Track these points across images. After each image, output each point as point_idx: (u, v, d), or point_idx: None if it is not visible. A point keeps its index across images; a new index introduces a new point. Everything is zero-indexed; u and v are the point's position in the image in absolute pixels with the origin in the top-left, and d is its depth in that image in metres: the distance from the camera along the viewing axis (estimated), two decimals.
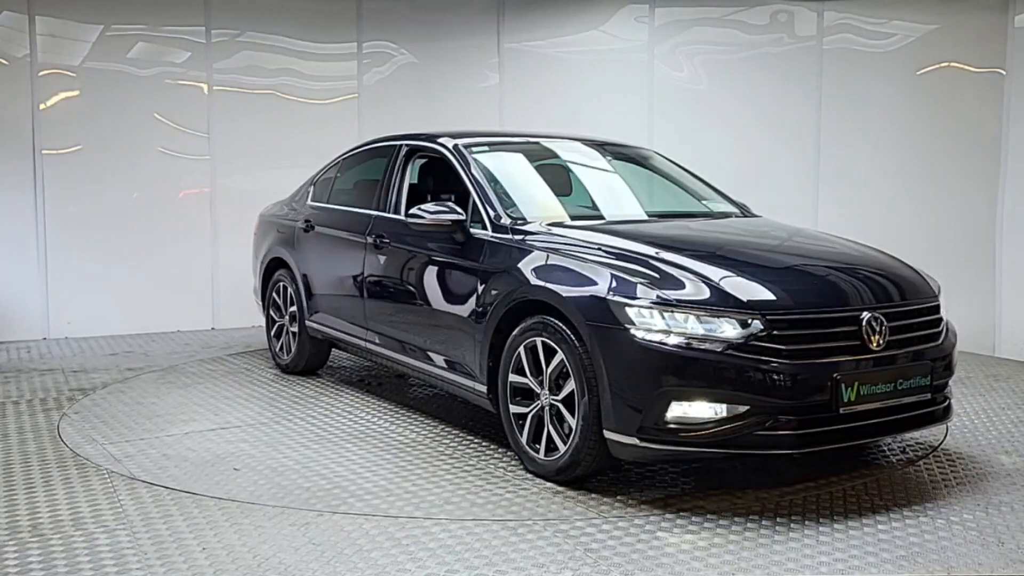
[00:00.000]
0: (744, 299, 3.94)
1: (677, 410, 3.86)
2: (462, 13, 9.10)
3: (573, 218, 5.01)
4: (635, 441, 3.93)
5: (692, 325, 3.89)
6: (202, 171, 8.61)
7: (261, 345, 7.72)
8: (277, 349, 6.89)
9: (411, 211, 5.14)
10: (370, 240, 5.72)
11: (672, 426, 3.88)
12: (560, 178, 5.59)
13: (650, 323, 3.93)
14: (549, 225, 4.79)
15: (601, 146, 5.93)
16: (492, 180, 5.16)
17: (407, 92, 9.02)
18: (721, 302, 3.93)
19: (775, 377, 3.81)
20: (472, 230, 4.95)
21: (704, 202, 5.68)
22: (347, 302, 6.02)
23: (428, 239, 5.22)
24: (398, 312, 5.54)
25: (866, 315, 4.03)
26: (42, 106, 8.08)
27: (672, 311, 3.92)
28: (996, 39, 7.59)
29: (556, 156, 5.82)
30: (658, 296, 3.97)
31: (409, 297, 5.41)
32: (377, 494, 4.18)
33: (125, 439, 5.04)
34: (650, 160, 6.02)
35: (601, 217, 5.15)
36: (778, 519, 3.88)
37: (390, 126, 8.12)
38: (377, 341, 5.73)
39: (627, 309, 3.98)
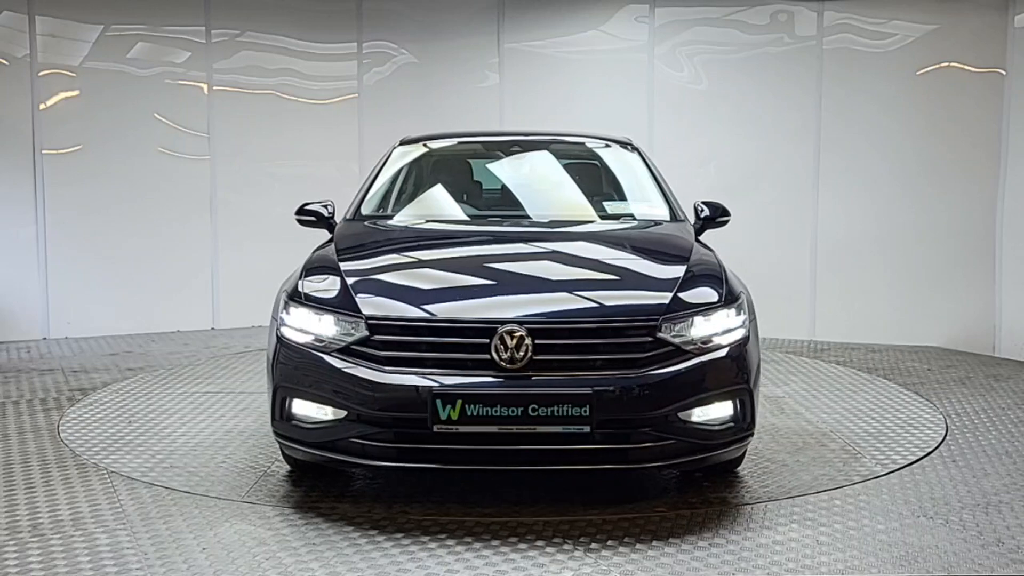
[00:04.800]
0: (358, 304, 3.89)
1: (299, 408, 3.91)
2: (462, 13, 9.09)
3: (430, 218, 5.09)
4: (273, 435, 4.06)
5: (316, 326, 3.93)
6: (202, 171, 8.61)
7: (263, 346, 7.77)
8: None
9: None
10: None
11: (295, 424, 3.93)
12: (468, 178, 5.60)
13: (290, 320, 4.02)
14: (384, 222, 4.97)
15: (561, 144, 5.87)
16: (395, 177, 5.37)
17: (407, 92, 9.02)
18: (341, 305, 3.93)
19: (363, 385, 3.74)
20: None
21: (608, 204, 5.34)
22: None
23: None
24: None
25: (501, 328, 3.71)
26: (42, 106, 8.07)
27: (308, 310, 3.97)
28: (996, 39, 7.58)
29: (491, 157, 5.79)
30: (298, 293, 4.06)
31: None
32: (187, 469, 4.51)
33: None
34: (620, 159, 5.69)
35: (450, 218, 5.18)
36: (779, 519, 3.89)
37: (390, 126, 8.13)
38: None
39: (283, 304, 4.10)
